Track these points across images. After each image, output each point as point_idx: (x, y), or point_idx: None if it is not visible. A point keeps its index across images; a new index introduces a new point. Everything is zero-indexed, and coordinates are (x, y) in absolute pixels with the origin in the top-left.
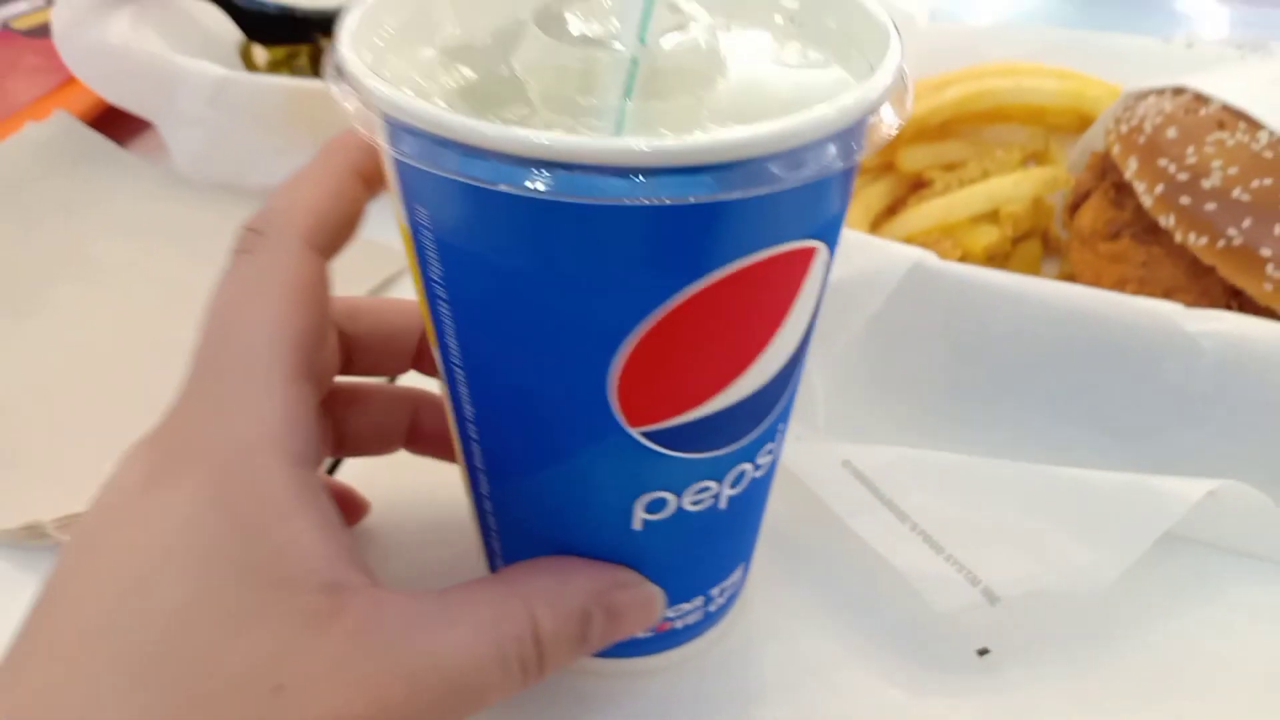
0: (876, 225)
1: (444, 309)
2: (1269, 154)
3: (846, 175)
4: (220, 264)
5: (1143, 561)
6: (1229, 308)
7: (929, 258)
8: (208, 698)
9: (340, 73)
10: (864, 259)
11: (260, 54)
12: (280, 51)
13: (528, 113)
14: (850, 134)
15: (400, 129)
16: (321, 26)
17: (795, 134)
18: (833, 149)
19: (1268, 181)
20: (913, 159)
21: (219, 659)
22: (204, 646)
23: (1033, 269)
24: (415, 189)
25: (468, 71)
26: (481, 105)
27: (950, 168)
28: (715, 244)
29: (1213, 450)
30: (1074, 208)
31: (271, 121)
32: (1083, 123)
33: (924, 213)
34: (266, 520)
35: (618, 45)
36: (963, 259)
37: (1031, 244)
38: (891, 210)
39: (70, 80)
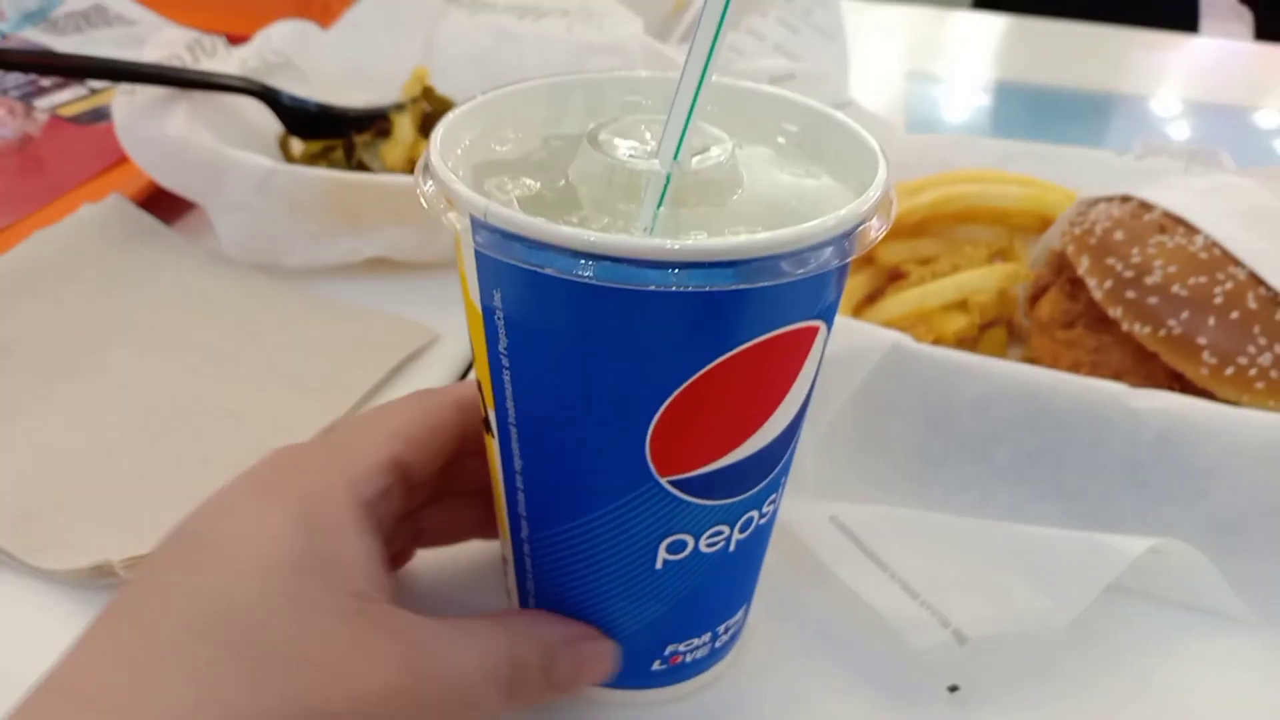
0: (859, 311)
1: (506, 376)
2: (1204, 255)
3: (842, 270)
4: (256, 332)
5: (1096, 612)
6: (1171, 389)
7: (906, 340)
8: (249, 660)
9: (430, 176)
10: (849, 340)
11: (297, 146)
12: (316, 145)
13: (583, 214)
14: (845, 238)
15: (480, 225)
16: (355, 124)
17: (802, 238)
18: (830, 250)
19: (1203, 279)
20: (891, 253)
21: (263, 632)
22: (254, 621)
23: (999, 353)
24: (490, 275)
25: (530, 181)
26: (545, 208)
27: (924, 262)
28: (736, 324)
29: (1154, 513)
30: (1034, 299)
31: (311, 208)
32: (1043, 224)
33: (901, 301)
34: (326, 534)
35: (655, 163)
36: (935, 342)
37: (998, 331)
38: (872, 298)
39: (116, 164)
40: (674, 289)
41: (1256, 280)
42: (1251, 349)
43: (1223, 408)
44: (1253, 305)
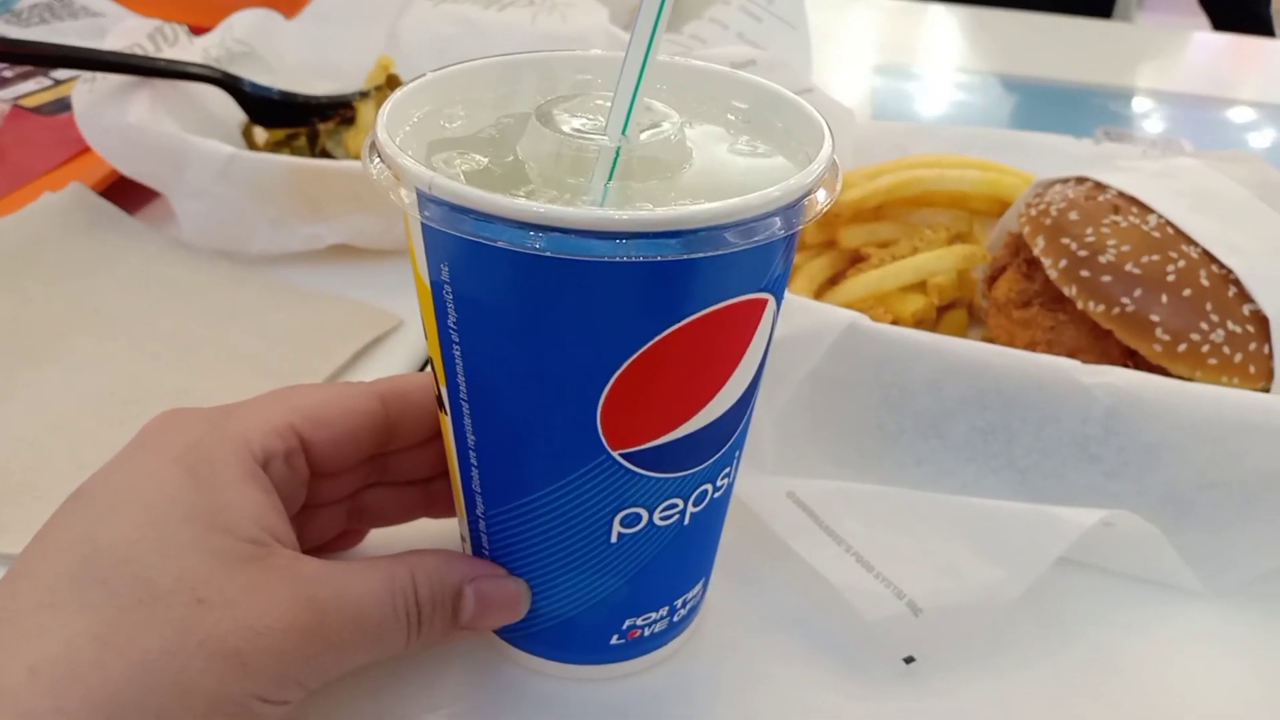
0: (820, 294)
1: (456, 351)
2: (1157, 234)
3: (789, 242)
4: (218, 318)
5: (1049, 584)
6: (1125, 367)
7: (862, 319)
8: (142, 602)
9: (377, 153)
10: (806, 320)
11: (260, 134)
12: (280, 133)
13: (531, 189)
14: (791, 210)
15: (427, 199)
16: (318, 111)
17: (747, 208)
18: (778, 221)
19: (1155, 257)
20: (851, 237)
21: (155, 575)
22: (145, 565)
23: (959, 334)
24: (438, 249)
25: (479, 156)
26: (494, 183)
27: (884, 245)
28: (683, 295)
29: (1104, 487)
30: (992, 280)
31: (273, 195)
32: (1000, 207)
33: (861, 283)
34: (215, 483)
35: (603, 138)
36: (893, 323)
37: (958, 312)
38: (833, 281)
39: (79, 154)
40: (621, 259)
41: (1208, 258)
42: (1204, 325)
43: (1170, 383)
44: (1205, 283)
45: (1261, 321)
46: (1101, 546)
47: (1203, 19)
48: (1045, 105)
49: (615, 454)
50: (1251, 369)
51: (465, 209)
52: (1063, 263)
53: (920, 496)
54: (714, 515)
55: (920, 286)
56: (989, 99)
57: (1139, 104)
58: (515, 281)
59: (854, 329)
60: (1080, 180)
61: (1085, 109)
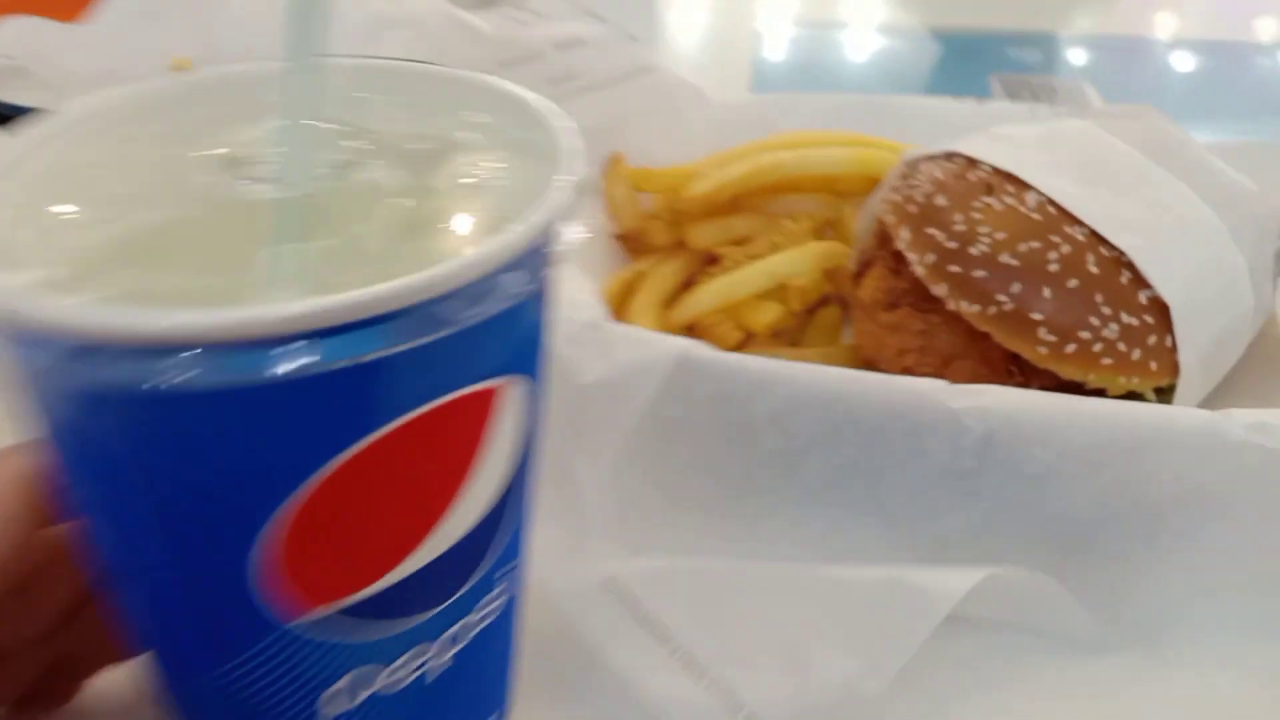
0: (669, 305)
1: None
2: (1036, 216)
3: (536, 299)
4: None
5: (932, 646)
6: (1009, 372)
7: (695, 348)
8: None
9: None
10: (630, 354)
11: None
12: None
13: (185, 275)
14: (528, 259)
15: None
16: None
17: (466, 271)
18: (511, 278)
19: (1035, 244)
20: (701, 236)
21: None
22: None
23: (831, 337)
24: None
25: (115, 229)
26: (131, 261)
27: (740, 242)
28: (374, 404)
29: (987, 529)
30: (858, 276)
31: None
32: (873, 186)
33: (706, 293)
34: None
35: (270, 186)
36: (746, 339)
37: (830, 311)
38: (688, 287)
39: None
40: (292, 378)
41: (1097, 239)
42: (1094, 320)
43: (1054, 401)
44: (1093, 269)
45: (1161, 309)
46: (989, 600)
47: None
48: (946, 55)
49: (293, 626)
50: (1153, 365)
51: (43, 340)
52: (930, 257)
53: (765, 571)
54: (486, 648)
55: (778, 291)
56: (887, 53)
57: (1046, 49)
58: (122, 432)
59: (686, 361)
60: (950, 156)
61: (987, 57)
